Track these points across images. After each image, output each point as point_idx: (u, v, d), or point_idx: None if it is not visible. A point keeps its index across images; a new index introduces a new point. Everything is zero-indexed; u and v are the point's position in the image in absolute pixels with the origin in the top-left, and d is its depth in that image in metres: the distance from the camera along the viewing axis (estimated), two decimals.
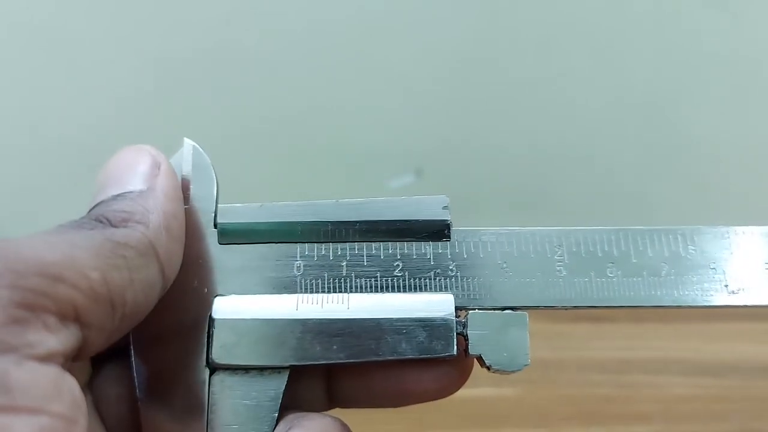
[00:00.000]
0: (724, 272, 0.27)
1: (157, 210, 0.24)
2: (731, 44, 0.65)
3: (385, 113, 0.69)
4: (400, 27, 0.65)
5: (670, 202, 0.71)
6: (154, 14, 0.63)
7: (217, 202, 0.27)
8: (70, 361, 0.21)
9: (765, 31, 0.65)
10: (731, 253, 0.27)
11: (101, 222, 0.23)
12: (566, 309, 0.27)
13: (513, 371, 0.26)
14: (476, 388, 0.60)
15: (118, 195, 0.24)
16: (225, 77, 0.66)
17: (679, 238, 0.28)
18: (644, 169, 0.72)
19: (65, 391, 0.20)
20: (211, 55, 0.65)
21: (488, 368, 0.26)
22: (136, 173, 0.25)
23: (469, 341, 0.26)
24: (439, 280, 0.27)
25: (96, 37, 0.64)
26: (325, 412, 0.27)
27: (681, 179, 0.72)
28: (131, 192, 0.25)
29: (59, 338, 0.20)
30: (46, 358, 0.19)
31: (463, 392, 0.59)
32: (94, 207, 0.24)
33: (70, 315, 0.20)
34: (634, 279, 0.27)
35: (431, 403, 0.59)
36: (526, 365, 0.26)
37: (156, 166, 0.26)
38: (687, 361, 0.63)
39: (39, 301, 0.19)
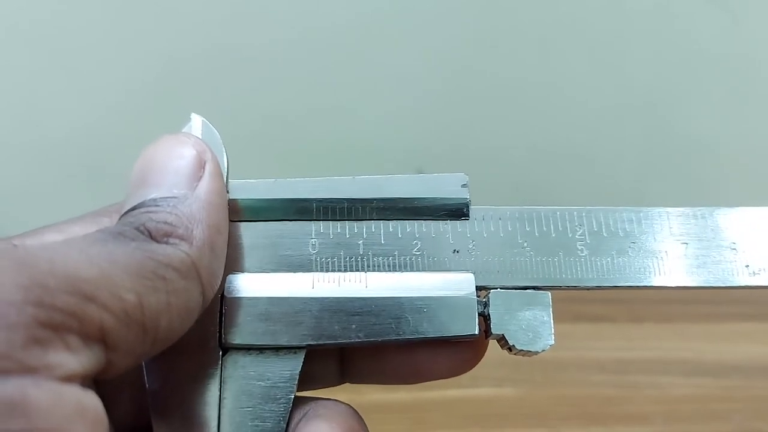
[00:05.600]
0: (745, 252, 0.27)
1: (201, 223, 0.23)
2: (731, 44, 0.65)
3: (385, 113, 0.69)
4: (401, 28, 0.65)
5: (670, 202, 0.72)
6: (155, 15, 0.63)
7: (227, 177, 0.26)
8: (91, 380, 0.20)
9: (765, 31, 0.65)
10: (752, 234, 0.27)
11: (142, 233, 0.22)
12: (588, 289, 0.26)
13: (537, 351, 0.25)
14: (476, 388, 0.60)
15: (160, 199, 0.23)
16: (225, 78, 0.66)
17: (700, 218, 0.27)
18: (643, 168, 0.72)
19: (88, 410, 0.19)
20: (211, 55, 0.64)
21: (510, 349, 0.25)
22: (179, 173, 0.24)
23: (491, 320, 0.25)
24: (459, 259, 0.26)
25: (97, 37, 0.63)
26: (338, 399, 0.26)
27: (680, 179, 0.72)
28: (174, 198, 0.23)
29: (80, 359, 0.19)
30: (66, 379, 0.18)
31: (463, 392, 0.59)
32: (133, 208, 0.23)
33: (94, 336, 0.19)
34: (656, 260, 0.26)
35: (431, 403, 0.59)
36: (551, 345, 0.25)
37: (201, 165, 0.24)
38: (687, 361, 0.63)
39: (65, 321, 0.18)
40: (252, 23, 0.64)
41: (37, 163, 0.68)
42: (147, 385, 0.24)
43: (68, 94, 0.66)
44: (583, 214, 0.27)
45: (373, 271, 0.26)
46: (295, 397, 0.25)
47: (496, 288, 0.26)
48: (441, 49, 0.66)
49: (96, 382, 0.22)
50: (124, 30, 0.63)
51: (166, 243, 0.22)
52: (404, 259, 0.26)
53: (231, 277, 0.25)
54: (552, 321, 0.25)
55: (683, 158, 0.71)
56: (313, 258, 0.26)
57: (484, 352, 0.27)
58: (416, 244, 0.26)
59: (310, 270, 0.26)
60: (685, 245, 0.27)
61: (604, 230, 0.27)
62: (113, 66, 0.64)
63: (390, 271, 0.26)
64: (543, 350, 0.25)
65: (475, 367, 0.27)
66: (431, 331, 0.25)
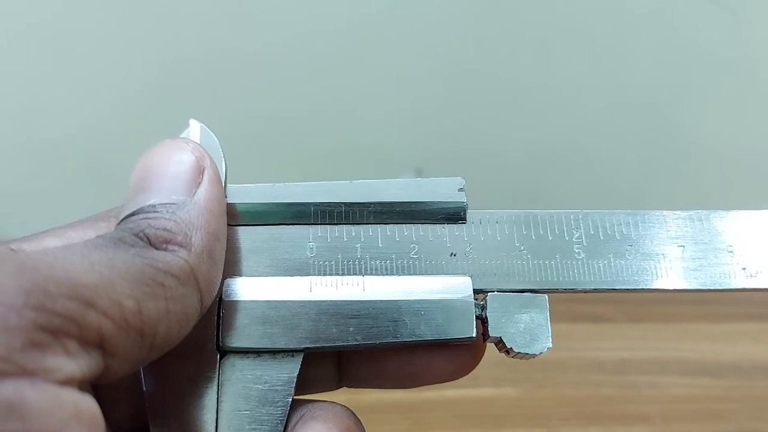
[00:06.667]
0: (742, 255, 0.27)
1: (199, 230, 0.23)
2: (732, 45, 0.65)
3: (385, 114, 0.69)
4: (400, 30, 0.65)
5: (669, 204, 0.72)
6: (155, 18, 0.63)
7: (226, 182, 0.26)
8: (89, 384, 0.20)
9: (766, 31, 0.65)
10: (749, 237, 0.27)
11: (141, 240, 0.22)
12: (585, 292, 0.26)
13: (535, 354, 0.25)
14: (476, 388, 0.60)
15: (159, 205, 0.23)
16: (226, 79, 0.66)
17: (697, 220, 0.27)
18: (643, 170, 0.72)
19: (85, 414, 0.19)
20: (211, 57, 0.65)
21: (508, 352, 0.25)
22: (178, 179, 0.24)
23: (489, 323, 0.25)
24: (456, 262, 0.26)
25: (97, 38, 0.63)
26: (334, 401, 0.26)
27: (680, 180, 0.72)
28: (173, 204, 0.23)
29: (78, 364, 0.19)
30: (64, 383, 0.19)
31: (463, 392, 0.59)
32: (132, 214, 0.23)
33: (93, 341, 0.19)
34: (653, 262, 0.26)
35: (431, 403, 0.59)
36: (548, 347, 0.25)
37: (200, 171, 0.24)
38: (687, 361, 0.63)
39: (64, 326, 0.18)
40: (250, 26, 0.64)
41: (37, 163, 0.68)
42: (144, 389, 0.24)
43: (69, 95, 0.66)
44: (580, 217, 0.27)
45: (371, 274, 0.26)
46: (293, 399, 0.25)
47: (494, 291, 0.26)
48: (440, 51, 0.66)
49: (94, 385, 0.22)
50: (124, 32, 0.63)
51: (165, 250, 0.22)
52: (401, 262, 0.26)
53: (229, 280, 0.25)
54: (549, 324, 0.25)
55: (683, 159, 0.71)
56: (311, 261, 0.26)
57: (482, 355, 0.27)
58: (413, 247, 0.26)
59: (307, 273, 0.26)
60: (681, 248, 0.27)
61: (600, 233, 0.27)
62: (113, 67, 0.65)
63: (387, 274, 0.26)
64: (540, 353, 0.25)
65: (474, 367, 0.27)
66: (429, 334, 0.25)
